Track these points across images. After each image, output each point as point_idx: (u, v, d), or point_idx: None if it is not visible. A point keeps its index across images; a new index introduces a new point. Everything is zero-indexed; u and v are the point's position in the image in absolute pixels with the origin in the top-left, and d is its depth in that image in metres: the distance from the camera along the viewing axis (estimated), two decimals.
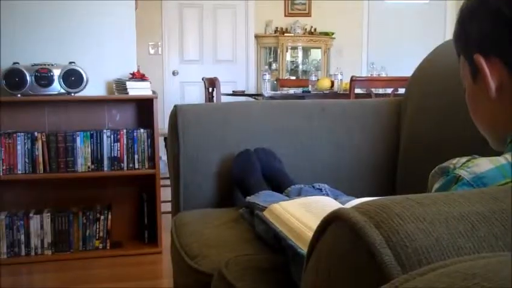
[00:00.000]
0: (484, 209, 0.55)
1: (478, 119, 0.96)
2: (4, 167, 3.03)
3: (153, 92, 3.27)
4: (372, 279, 0.51)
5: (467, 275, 0.42)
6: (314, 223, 1.05)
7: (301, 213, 1.27)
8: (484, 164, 0.79)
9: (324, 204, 1.32)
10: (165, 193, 3.11)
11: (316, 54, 7.09)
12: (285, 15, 6.96)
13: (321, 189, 1.63)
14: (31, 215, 3.11)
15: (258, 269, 1.22)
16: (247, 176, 1.75)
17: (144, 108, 3.31)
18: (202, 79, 4.98)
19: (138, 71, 3.37)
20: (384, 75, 4.92)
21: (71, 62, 3.16)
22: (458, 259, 0.48)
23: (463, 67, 0.96)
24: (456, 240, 0.51)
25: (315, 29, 6.96)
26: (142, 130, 3.19)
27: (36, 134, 3.06)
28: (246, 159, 1.80)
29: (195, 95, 6.52)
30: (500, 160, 0.79)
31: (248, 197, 1.63)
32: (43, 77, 3.08)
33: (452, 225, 0.53)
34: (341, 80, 4.78)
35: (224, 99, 4.61)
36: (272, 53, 6.95)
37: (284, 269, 1.18)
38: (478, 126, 0.96)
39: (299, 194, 1.60)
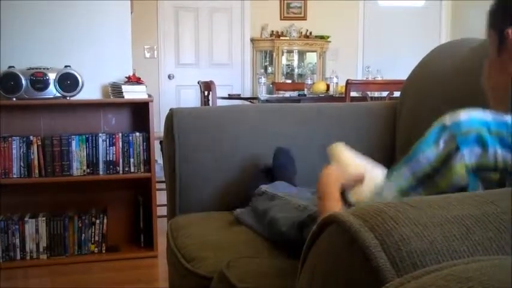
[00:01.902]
0: (479, 212, 0.55)
1: (490, 85, 1.01)
2: None
3: (149, 96, 3.27)
4: (366, 282, 0.51)
5: (461, 279, 0.43)
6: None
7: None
8: (467, 113, 0.85)
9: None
10: (161, 197, 3.10)
11: (311, 58, 7.10)
12: (281, 19, 6.97)
13: None
14: (26, 219, 3.10)
15: (259, 270, 1.22)
16: (289, 170, 1.79)
17: (140, 111, 3.31)
18: (198, 83, 4.97)
19: (134, 74, 3.37)
20: (379, 78, 4.93)
21: (66, 66, 3.16)
22: (452, 262, 0.48)
23: (492, 39, 1.00)
24: (451, 243, 0.51)
25: (311, 33, 6.97)
26: (138, 134, 3.19)
27: (31, 137, 3.06)
28: (288, 156, 1.83)
29: (191, 99, 6.51)
30: (488, 115, 0.84)
31: (264, 186, 1.66)
32: (38, 80, 3.07)
33: (447, 228, 0.53)
34: (336, 83, 4.79)
35: (220, 102, 4.61)
36: (268, 56, 6.95)
37: (282, 272, 1.18)
38: (487, 92, 1.02)
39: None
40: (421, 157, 0.85)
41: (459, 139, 0.81)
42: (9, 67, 3.09)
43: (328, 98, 4.56)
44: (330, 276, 0.57)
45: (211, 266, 1.31)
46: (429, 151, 0.84)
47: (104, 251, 3.21)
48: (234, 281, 1.16)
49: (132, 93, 3.19)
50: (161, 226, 3.36)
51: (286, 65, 7.01)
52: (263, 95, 4.93)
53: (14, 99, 3.06)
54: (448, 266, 0.47)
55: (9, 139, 3.03)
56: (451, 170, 0.81)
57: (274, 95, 5.17)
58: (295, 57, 7.04)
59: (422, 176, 0.85)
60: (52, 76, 3.10)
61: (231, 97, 5.42)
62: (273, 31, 6.89)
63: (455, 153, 0.81)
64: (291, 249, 1.30)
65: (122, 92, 3.17)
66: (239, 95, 6.11)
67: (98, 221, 3.19)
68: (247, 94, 6.62)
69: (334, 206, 1.11)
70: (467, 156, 0.80)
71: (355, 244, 0.52)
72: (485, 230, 0.53)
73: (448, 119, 0.85)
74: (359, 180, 1.17)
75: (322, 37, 6.95)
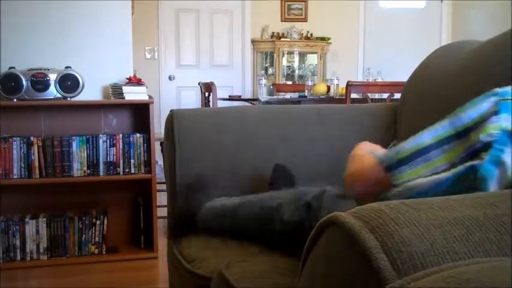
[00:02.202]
0: (479, 214, 0.55)
1: None
2: (0, 172, 3.02)
3: (150, 97, 3.27)
4: (367, 284, 0.51)
5: (462, 280, 0.43)
6: None
7: None
8: None
9: None
10: (161, 198, 3.11)
11: (312, 59, 7.10)
12: (282, 20, 6.97)
13: None
14: (27, 219, 3.10)
15: (259, 270, 1.22)
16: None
17: (141, 113, 3.31)
18: (199, 84, 4.97)
19: (135, 75, 3.37)
20: (380, 80, 4.93)
21: (67, 67, 3.16)
22: (453, 264, 0.48)
23: None
24: (451, 245, 0.51)
25: (311, 34, 6.97)
26: (138, 135, 3.19)
27: (32, 138, 3.06)
28: (283, 173, 1.74)
29: (192, 100, 6.51)
30: None
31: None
32: (39, 81, 3.07)
33: (447, 230, 0.53)
34: (337, 85, 4.79)
35: (220, 103, 4.61)
36: (268, 57, 6.96)
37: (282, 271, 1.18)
38: None
39: None
40: (464, 114, 0.91)
41: (502, 104, 0.88)
42: (10, 68, 3.09)
43: (328, 99, 4.56)
44: (330, 277, 0.57)
45: (212, 266, 1.31)
46: (473, 110, 0.90)
47: (104, 252, 3.21)
48: (233, 281, 1.16)
49: (133, 94, 3.19)
50: (161, 227, 3.36)
51: (287, 66, 7.01)
52: (264, 96, 4.93)
53: (15, 100, 3.06)
54: (448, 267, 0.47)
55: (10, 140, 3.03)
56: (484, 127, 0.86)
57: (275, 97, 5.17)
58: (296, 58, 7.04)
59: (462, 128, 0.90)
60: (53, 77, 3.10)
61: (231, 98, 5.42)
62: (273, 32, 6.89)
63: (493, 115, 0.87)
64: (295, 242, 1.23)
65: (123, 93, 3.17)
66: (240, 96, 6.11)
67: (98, 222, 3.19)
68: (248, 95, 6.63)
69: (363, 158, 1.14)
70: (504, 120, 0.86)
71: (356, 245, 0.52)
72: (486, 231, 0.53)
73: (499, 88, 0.91)
74: None
75: (322, 39, 6.95)
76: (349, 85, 3.82)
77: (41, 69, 3.10)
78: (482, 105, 0.89)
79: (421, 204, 0.57)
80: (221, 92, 4.92)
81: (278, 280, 1.15)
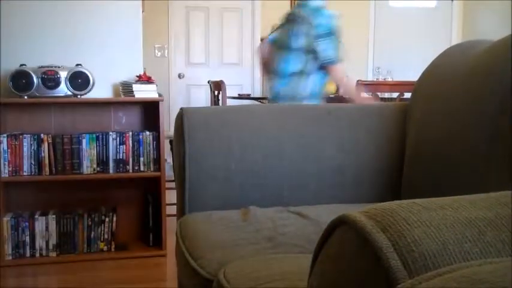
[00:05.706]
0: (491, 214, 0.55)
1: None
2: (10, 169, 3.04)
3: (159, 95, 3.28)
4: (378, 284, 0.50)
5: (474, 280, 0.42)
6: None
7: None
8: None
9: None
10: (170, 196, 3.11)
11: None
12: None
13: None
14: (36, 216, 3.11)
15: (259, 274, 1.21)
16: None
17: (150, 110, 3.32)
18: (208, 82, 4.98)
19: (145, 73, 3.38)
20: (389, 79, 4.92)
21: (77, 64, 3.17)
22: (465, 264, 0.48)
23: None
24: (463, 245, 0.51)
25: None
26: (148, 132, 3.20)
27: (42, 135, 3.07)
28: None
29: (201, 98, 6.52)
30: None
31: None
32: (50, 79, 3.09)
33: (459, 230, 0.52)
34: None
35: (230, 102, 4.61)
36: None
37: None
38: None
39: None
40: None
41: None
42: (21, 65, 3.11)
43: (338, 98, 4.55)
44: (341, 276, 0.57)
45: (218, 265, 1.31)
46: None
47: (113, 249, 3.22)
48: None
49: (143, 92, 3.20)
50: (170, 225, 3.37)
51: None
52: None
53: (26, 97, 3.07)
54: (460, 267, 0.46)
55: (20, 137, 3.05)
56: None
57: None
58: None
59: None
60: (63, 74, 3.11)
61: (241, 97, 5.42)
62: None
63: None
64: None
65: (133, 91, 3.18)
66: (249, 94, 6.12)
67: (107, 219, 3.20)
68: (257, 94, 6.63)
69: None
70: None
71: (367, 245, 0.52)
72: (498, 232, 0.53)
73: None
74: None
75: None
76: (359, 84, 3.81)
77: (51, 67, 3.12)
78: None
79: (432, 204, 0.57)
80: (230, 91, 4.93)
81: (279, 283, 1.14)
